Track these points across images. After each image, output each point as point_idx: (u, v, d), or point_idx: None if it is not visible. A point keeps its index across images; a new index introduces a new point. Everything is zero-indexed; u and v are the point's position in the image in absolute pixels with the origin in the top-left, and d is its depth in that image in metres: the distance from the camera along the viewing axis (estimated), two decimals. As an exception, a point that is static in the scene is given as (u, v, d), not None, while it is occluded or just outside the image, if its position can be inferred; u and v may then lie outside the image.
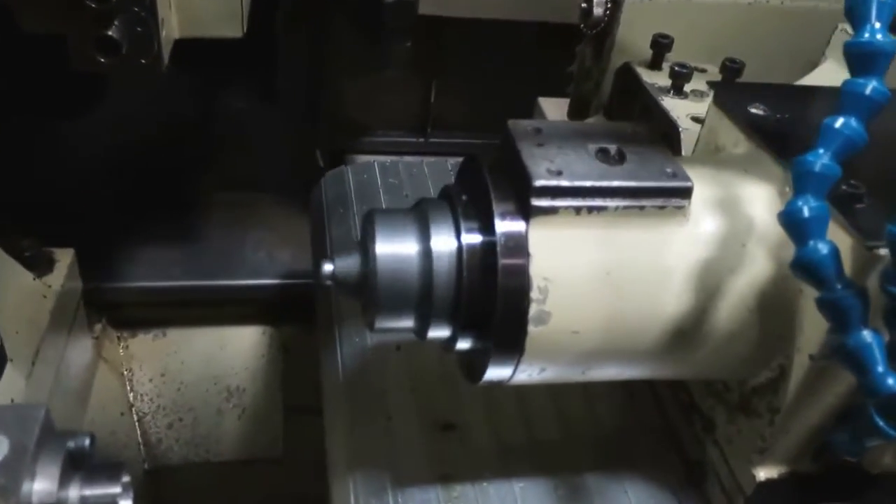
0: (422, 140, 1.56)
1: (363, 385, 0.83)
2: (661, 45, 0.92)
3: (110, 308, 1.26)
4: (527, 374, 0.59)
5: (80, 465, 0.46)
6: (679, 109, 0.86)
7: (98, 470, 0.45)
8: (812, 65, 0.95)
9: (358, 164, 1.19)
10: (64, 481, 0.43)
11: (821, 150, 0.49)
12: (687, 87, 0.89)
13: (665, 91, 0.89)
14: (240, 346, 1.33)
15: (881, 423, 0.51)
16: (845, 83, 0.50)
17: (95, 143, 1.30)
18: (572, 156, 0.58)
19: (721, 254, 0.58)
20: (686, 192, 0.57)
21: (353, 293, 0.60)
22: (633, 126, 0.63)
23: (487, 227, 0.56)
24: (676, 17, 0.95)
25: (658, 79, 0.91)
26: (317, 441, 1.16)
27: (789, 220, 0.49)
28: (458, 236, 0.57)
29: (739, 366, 0.63)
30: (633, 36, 0.96)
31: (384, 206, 1.09)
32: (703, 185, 0.59)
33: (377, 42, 1.19)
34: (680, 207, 0.57)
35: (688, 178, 0.57)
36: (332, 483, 0.76)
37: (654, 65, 0.93)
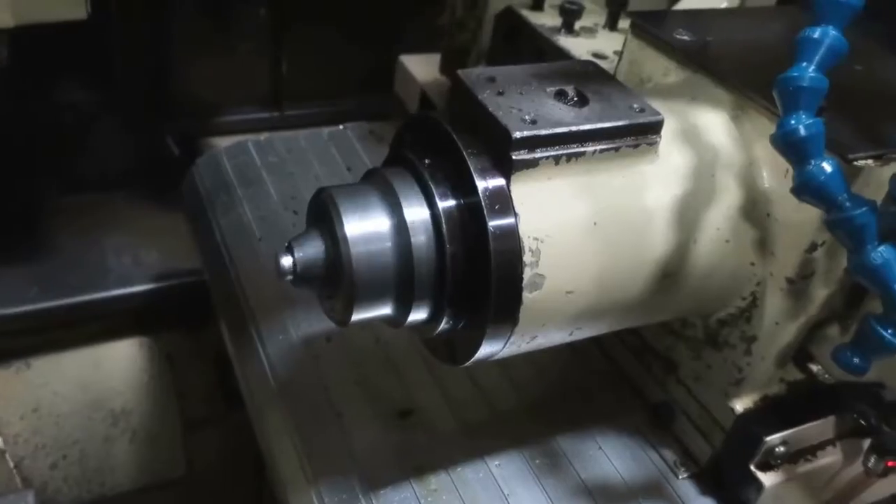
0: (277, 114, 1.46)
1: (300, 384, 0.75)
2: (540, -14, 0.89)
3: (-45, 346, 1.08)
4: (516, 345, 0.55)
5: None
6: (578, 48, 0.83)
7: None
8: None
9: (231, 146, 1.08)
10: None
11: (804, 64, 0.47)
12: (577, 25, 0.87)
13: (556, 31, 0.87)
14: (117, 364, 1.19)
15: (889, 336, 0.51)
16: (820, -8, 0.48)
17: None
18: (537, 102, 0.53)
19: (694, 187, 0.56)
20: (657, 127, 0.54)
21: (319, 285, 0.52)
22: (579, 63, 0.59)
23: (465, 189, 0.50)
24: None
25: (544, 19, 0.89)
26: (225, 453, 1.07)
27: (786, 141, 0.47)
28: (431, 203, 0.51)
29: (716, 299, 0.62)
30: (505, -21, 0.92)
31: (271, 188, 1.00)
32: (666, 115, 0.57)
33: (229, 11, 1.07)
34: (652, 144, 0.54)
35: (656, 112, 0.54)
36: (291, 499, 0.68)
37: (537, 6, 0.90)
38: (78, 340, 1.17)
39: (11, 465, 1.09)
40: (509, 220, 0.49)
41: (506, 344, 0.54)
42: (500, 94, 0.53)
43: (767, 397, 0.66)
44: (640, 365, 0.76)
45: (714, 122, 0.60)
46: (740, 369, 0.64)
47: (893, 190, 0.45)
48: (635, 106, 0.54)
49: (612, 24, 0.90)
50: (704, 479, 0.69)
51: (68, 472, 1.13)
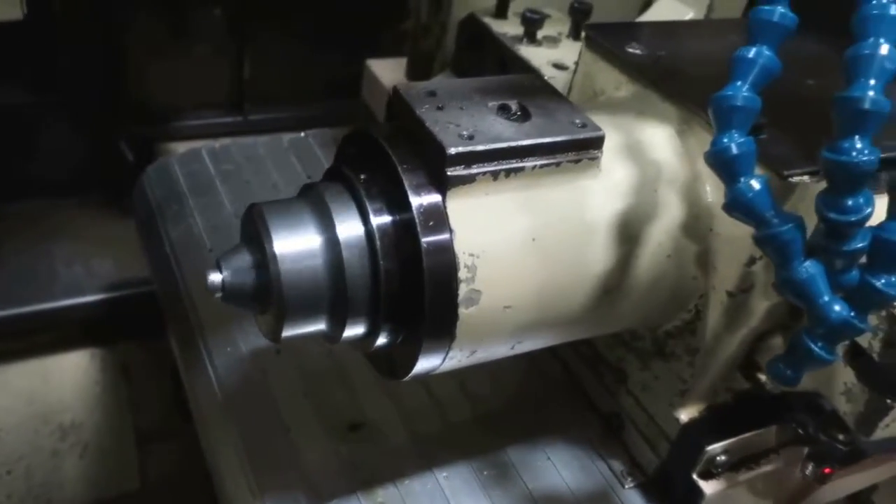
0: (240, 118, 1.44)
1: (248, 398, 0.74)
2: (505, -7, 0.89)
3: None
4: (456, 359, 0.55)
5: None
6: (538, 57, 0.83)
7: None
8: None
9: (184, 154, 1.06)
10: None
11: (738, 83, 0.48)
12: (539, 34, 0.86)
13: (518, 40, 0.86)
14: (67, 376, 1.17)
15: (817, 349, 0.52)
16: (753, 11, 0.48)
17: None
18: (477, 117, 0.53)
19: (636, 202, 0.56)
20: (598, 142, 0.54)
21: (249, 303, 0.51)
22: (525, 78, 0.59)
23: (400, 205, 0.50)
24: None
25: (507, 28, 0.88)
26: (181, 466, 1.05)
27: (718, 159, 0.47)
28: (365, 220, 0.50)
29: (660, 312, 0.62)
30: (471, -15, 0.92)
31: (224, 198, 0.99)
32: (608, 133, 0.57)
33: (183, 10, 1.06)
34: (594, 159, 0.54)
35: (598, 128, 0.54)
36: (237, 519, 0.67)
37: (500, 13, 0.90)
38: (25, 352, 1.15)
39: (-43, 481, 1.06)
40: (444, 237, 0.49)
41: (445, 358, 0.53)
42: (440, 108, 0.52)
43: (713, 407, 0.67)
44: (593, 375, 0.76)
45: (659, 138, 0.60)
46: (684, 380, 0.65)
47: (818, 208, 0.46)
48: (577, 121, 0.54)
49: (575, 34, 0.90)
50: (651, 489, 0.70)
51: (13, 489, 1.10)
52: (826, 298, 0.46)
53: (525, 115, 0.54)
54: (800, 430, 0.64)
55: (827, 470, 0.63)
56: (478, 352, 0.55)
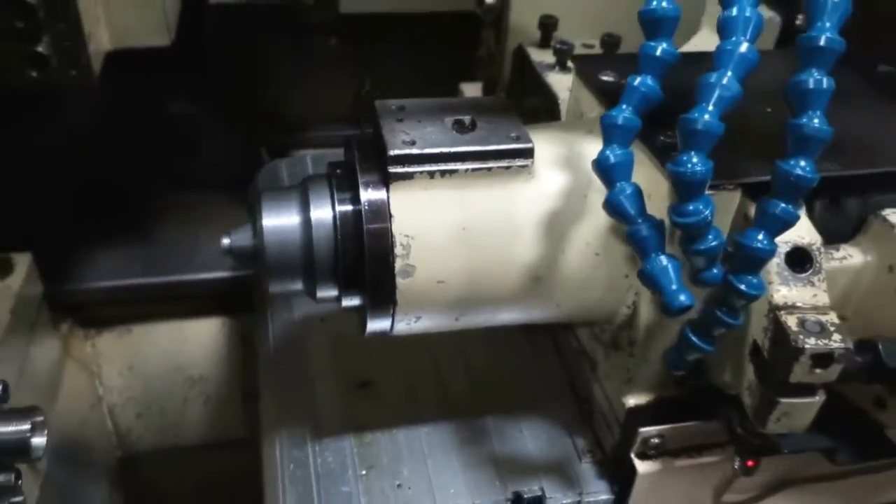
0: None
1: (288, 355, 0.91)
2: (547, 26, 1.00)
3: (75, 309, 1.33)
4: (405, 322, 0.68)
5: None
6: (562, 83, 0.94)
7: (11, 412, 0.53)
8: (691, 33, 1.03)
9: (292, 158, 1.27)
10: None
11: (623, 106, 0.57)
12: (570, 63, 0.97)
13: (551, 67, 0.97)
14: (199, 338, 1.41)
15: (694, 339, 0.60)
16: (641, 46, 0.58)
17: (48, 154, 1.38)
18: (429, 128, 0.66)
19: (565, 205, 0.66)
20: (528, 153, 0.65)
21: (249, 263, 0.68)
22: (491, 99, 0.71)
23: (356, 197, 0.64)
24: (562, -1, 1.03)
25: (546, 57, 0.99)
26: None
27: (599, 167, 0.57)
28: (333, 207, 0.65)
29: (598, 306, 0.71)
30: (525, 19, 1.04)
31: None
32: (550, 146, 0.67)
33: (301, 41, 1.26)
34: (524, 166, 0.65)
35: (529, 140, 0.65)
36: (264, 442, 0.84)
37: (544, 44, 1.01)
38: (170, 314, 1.40)
39: (106, 410, 1.33)
40: (383, 224, 0.62)
41: (393, 321, 0.67)
42: (399, 120, 0.66)
43: (661, 397, 0.74)
44: (576, 364, 0.86)
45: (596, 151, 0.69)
46: (628, 370, 0.73)
47: (668, 214, 0.54)
48: (513, 135, 0.65)
49: (605, 63, 1.00)
50: (606, 466, 0.78)
51: (150, 423, 1.36)
52: (674, 287, 0.55)
53: (472, 129, 0.66)
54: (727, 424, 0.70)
55: (749, 463, 0.69)
56: (423, 318, 0.68)
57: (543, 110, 0.93)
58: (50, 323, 1.25)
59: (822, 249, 0.62)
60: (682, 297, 0.54)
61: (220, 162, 1.53)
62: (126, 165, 1.45)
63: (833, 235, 0.68)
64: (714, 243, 0.55)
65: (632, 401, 0.74)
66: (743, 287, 0.55)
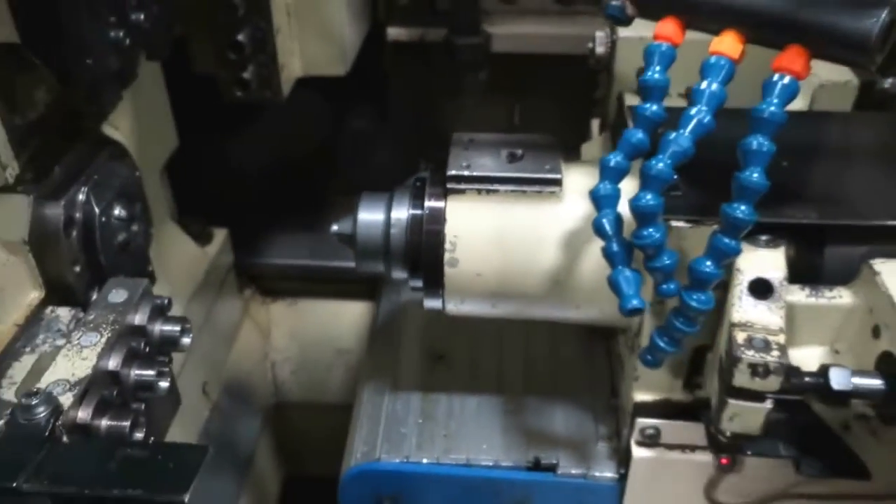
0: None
1: (387, 330, 1.14)
2: (642, 77, 1.15)
3: (256, 278, 1.66)
4: (453, 304, 0.87)
5: (161, 314, 0.78)
6: (640, 127, 1.08)
7: (172, 318, 0.78)
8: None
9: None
10: (151, 319, 0.76)
11: (617, 152, 0.73)
12: (655, 110, 1.11)
13: (638, 112, 1.12)
14: (347, 317, 1.68)
15: (659, 342, 0.74)
16: (636, 107, 0.74)
17: (250, 154, 1.72)
18: (486, 157, 0.85)
19: (584, 225, 0.82)
20: (556, 182, 0.82)
21: (349, 245, 0.91)
22: (542, 137, 0.89)
23: (423, 204, 0.85)
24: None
25: (635, 101, 1.14)
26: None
27: (591, 196, 0.74)
28: (407, 210, 0.86)
29: (612, 312, 0.86)
30: (628, 68, 1.19)
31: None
32: (581, 178, 0.84)
33: (454, 76, 1.50)
34: (553, 192, 0.83)
35: (559, 172, 0.83)
36: (357, 390, 1.08)
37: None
38: (328, 293, 1.69)
39: (269, 364, 1.65)
40: (438, 226, 0.83)
41: (443, 301, 0.87)
42: (466, 149, 0.87)
43: (669, 399, 0.87)
44: (615, 364, 1.00)
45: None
46: (635, 369, 0.87)
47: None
48: (547, 167, 0.83)
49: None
50: (615, 451, 0.92)
51: (300, 380, 1.65)
52: (629, 293, 0.70)
53: (520, 159, 0.85)
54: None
55: (723, 461, 0.81)
56: (466, 302, 0.87)
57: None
58: (236, 287, 1.58)
59: (785, 283, 0.73)
60: (635, 302, 0.69)
61: (386, 171, 1.81)
62: (310, 169, 1.76)
63: (835, 278, 0.78)
64: (667, 262, 0.69)
65: (639, 397, 0.88)
66: (693, 303, 0.69)
